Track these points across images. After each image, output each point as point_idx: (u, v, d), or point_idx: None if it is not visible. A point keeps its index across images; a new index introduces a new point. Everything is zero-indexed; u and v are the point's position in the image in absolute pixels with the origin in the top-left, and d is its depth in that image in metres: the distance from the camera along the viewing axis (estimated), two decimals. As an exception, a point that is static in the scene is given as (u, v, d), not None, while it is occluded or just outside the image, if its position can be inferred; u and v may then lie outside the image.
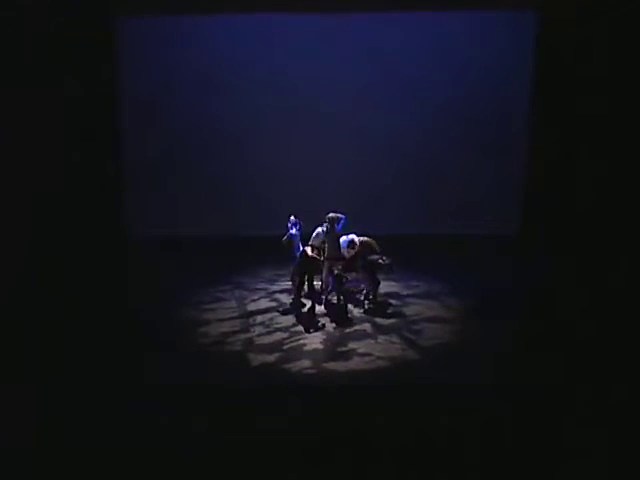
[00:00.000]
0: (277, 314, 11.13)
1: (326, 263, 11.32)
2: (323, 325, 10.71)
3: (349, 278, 11.32)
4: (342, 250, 11.18)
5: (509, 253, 13.56)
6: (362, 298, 11.50)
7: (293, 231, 11.22)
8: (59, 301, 10.96)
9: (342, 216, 11.38)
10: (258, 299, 11.82)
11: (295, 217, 11.38)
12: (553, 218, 13.74)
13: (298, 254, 11.13)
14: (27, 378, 8.79)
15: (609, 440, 7.53)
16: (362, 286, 11.56)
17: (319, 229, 11.39)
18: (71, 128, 13.09)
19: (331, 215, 11.30)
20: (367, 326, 10.80)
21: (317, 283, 11.47)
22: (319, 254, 11.22)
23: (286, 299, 11.71)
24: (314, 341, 10.20)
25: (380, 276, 11.34)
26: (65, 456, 7.31)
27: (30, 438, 7.45)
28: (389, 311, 11.37)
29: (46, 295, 11.03)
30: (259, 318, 11.03)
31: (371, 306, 11.28)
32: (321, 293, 11.50)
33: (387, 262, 11.15)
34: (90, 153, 13.35)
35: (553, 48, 13.46)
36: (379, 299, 11.53)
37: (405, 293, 12.11)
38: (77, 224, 12.78)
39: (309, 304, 11.26)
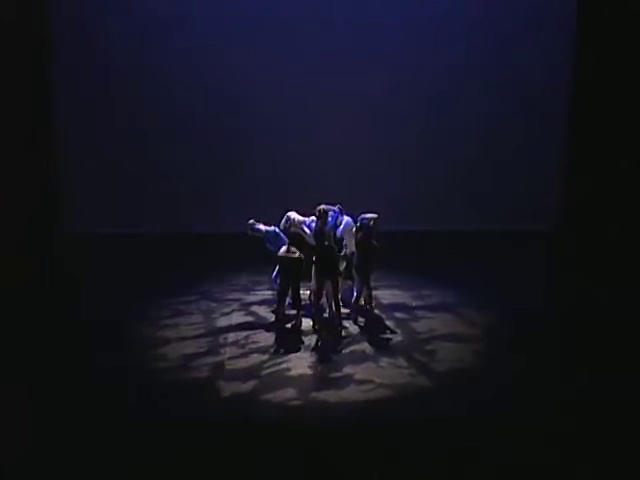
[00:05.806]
0: (254, 331, 10.47)
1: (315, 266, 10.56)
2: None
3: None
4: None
5: (541, 254, 13.31)
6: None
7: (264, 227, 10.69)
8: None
9: (334, 208, 10.56)
10: (230, 312, 11.24)
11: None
12: (593, 212, 13.46)
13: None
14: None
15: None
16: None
17: (290, 214, 10.65)
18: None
19: (322, 207, 10.40)
20: (366, 346, 10.02)
21: (305, 292, 10.85)
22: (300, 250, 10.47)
23: (265, 312, 11.15)
24: (300, 365, 9.41)
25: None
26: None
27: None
28: (394, 327, 10.68)
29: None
30: (231, 336, 10.34)
31: (362, 320, 10.71)
32: (310, 304, 10.76)
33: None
34: (24, 143, 13.06)
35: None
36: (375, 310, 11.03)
37: (414, 304, 11.56)
38: (9, 222, 12.48)
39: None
